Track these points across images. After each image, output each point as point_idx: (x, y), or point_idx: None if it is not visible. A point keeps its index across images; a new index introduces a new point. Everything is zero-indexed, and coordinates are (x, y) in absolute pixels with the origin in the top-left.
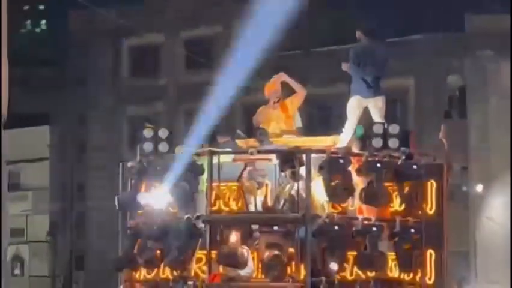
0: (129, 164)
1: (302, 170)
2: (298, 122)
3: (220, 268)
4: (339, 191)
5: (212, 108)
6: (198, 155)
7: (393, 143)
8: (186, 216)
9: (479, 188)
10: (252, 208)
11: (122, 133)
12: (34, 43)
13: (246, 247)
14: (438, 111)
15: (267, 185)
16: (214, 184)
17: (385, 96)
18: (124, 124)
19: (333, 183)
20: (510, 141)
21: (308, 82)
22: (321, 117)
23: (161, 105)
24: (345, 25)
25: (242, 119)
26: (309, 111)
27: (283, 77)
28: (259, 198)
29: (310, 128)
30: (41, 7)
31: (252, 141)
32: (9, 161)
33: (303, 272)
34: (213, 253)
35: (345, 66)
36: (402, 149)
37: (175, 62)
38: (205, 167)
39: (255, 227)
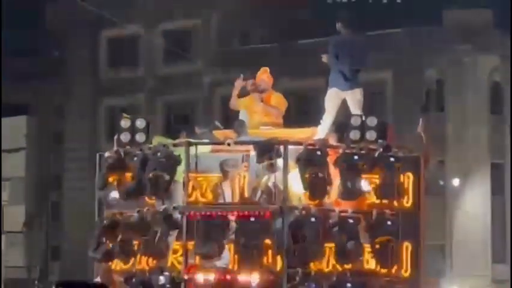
0: (106, 154)
1: (279, 162)
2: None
3: (197, 259)
4: (315, 183)
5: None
6: (175, 145)
7: (370, 135)
8: (163, 206)
9: (455, 181)
10: (229, 199)
11: (101, 124)
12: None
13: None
14: (415, 104)
15: (245, 176)
16: (191, 175)
17: (363, 89)
18: (102, 115)
19: (310, 175)
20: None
21: (286, 75)
22: (299, 109)
23: (140, 97)
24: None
25: (220, 110)
26: (289, 103)
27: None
28: (227, 189)
29: (288, 120)
30: None
31: (229, 133)
32: None
33: (279, 263)
34: (190, 244)
35: (324, 58)
36: (380, 141)
37: (153, 53)
38: (183, 157)
39: (231, 218)
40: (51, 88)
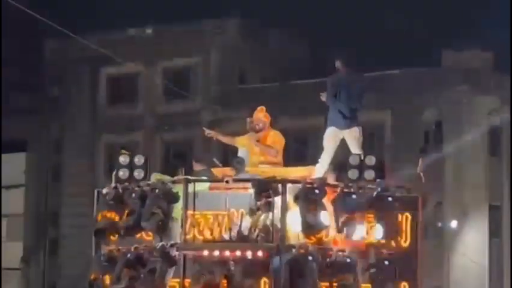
0: (104, 191)
1: (277, 200)
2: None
3: None
4: (313, 222)
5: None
6: (173, 182)
7: (369, 174)
8: (160, 243)
9: (453, 223)
10: (226, 237)
11: (99, 161)
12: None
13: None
14: (414, 145)
15: (242, 214)
16: (189, 212)
17: (362, 128)
18: (101, 152)
19: (307, 214)
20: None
21: (286, 114)
22: (299, 149)
23: (138, 134)
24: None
25: (218, 148)
26: (286, 143)
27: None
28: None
29: (287, 160)
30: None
31: (227, 170)
32: None
33: None
34: (187, 281)
35: (323, 96)
36: (378, 180)
37: (152, 91)
38: (181, 194)
39: (229, 256)
40: (50, 125)
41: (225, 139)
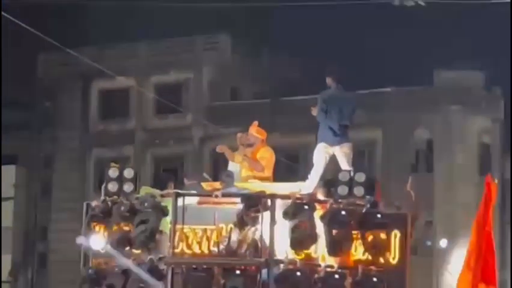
0: (93, 204)
1: (266, 215)
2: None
3: None
4: (302, 237)
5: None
6: (162, 196)
7: (358, 191)
8: (149, 257)
9: (443, 242)
10: (215, 251)
11: (89, 175)
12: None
13: None
14: (405, 164)
15: (231, 228)
16: (178, 226)
17: (352, 145)
18: (91, 167)
19: (296, 229)
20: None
21: (277, 131)
22: (289, 166)
23: (129, 149)
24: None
25: (209, 164)
26: (276, 159)
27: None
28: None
29: (277, 176)
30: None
31: (217, 184)
32: None
33: None
34: None
35: (314, 111)
36: (367, 197)
37: (144, 106)
38: (170, 208)
39: (216, 271)
40: (41, 138)
41: (229, 155)
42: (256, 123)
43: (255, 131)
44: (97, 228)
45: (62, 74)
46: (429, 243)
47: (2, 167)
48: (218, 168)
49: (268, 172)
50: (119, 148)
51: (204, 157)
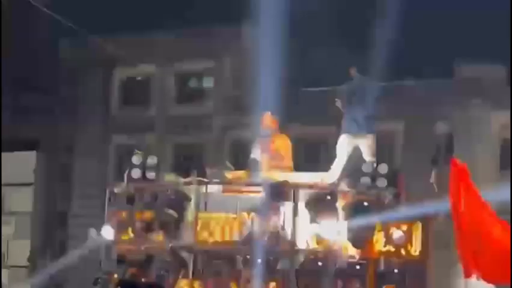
0: (116, 190)
1: (288, 205)
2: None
3: None
4: (324, 228)
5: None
6: (186, 184)
7: (381, 182)
8: (170, 245)
9: None
10: (237, 239)
11: (110, 163)
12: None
13: None
14: (426, 156)
15: (253, 217)
16: (200, 214)
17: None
18: (112, 154)
19: (319, 220)
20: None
21: (298, 120)
22: (309, 156)
23: (150, 136)
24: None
25: (230, 152)
26: (299, 149)
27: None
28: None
29: (298, 166)
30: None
31: (240, 173)
32: None
33: None
34: (196, 283)
35: (338, 102)
36: (390, 189)
37: (165, 94)
38: (193, 196)
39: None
40: (62, 124)
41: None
42: (268, 113)
43: (269, 121)
44: (120, 215)
45: (84, 60)
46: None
47: (23, 153)
48: (238, 157)
49: (287, 161)
50: (140, 135)
51: (224, 146)
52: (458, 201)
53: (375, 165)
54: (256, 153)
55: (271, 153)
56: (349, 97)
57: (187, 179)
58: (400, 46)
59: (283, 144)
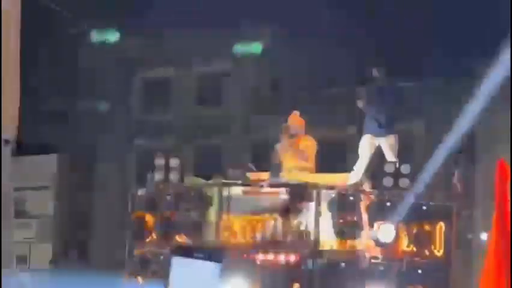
0: (139, 192)
1: (311, 206)
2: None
3: None
4: (347, 228)
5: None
6: (208, 186)
7: (404, 182)
8: None
9: (484, 236)
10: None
11: (131, 165)
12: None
13: None
14: (447, 156)
15: (275, 218)
16: (223, 215)
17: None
18: (133, 156)
19: (341, 220)
20: None
21: (320, 122)
22: (331, 157)
23: (170, 138)
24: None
25: (251, 155)
26: (320, 150)
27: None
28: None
29: (320, 167)
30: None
31: (263, 175)
32: (16, 187)
33: None
34: None
35: (359, 103)
36: (412, 189)
37: (185, 96)
38: (215, 198)
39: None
40: (82, 127)
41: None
42: (296, 112)
43: (296, 120)
44: (142, 217)
45: (104, 62)
46: (470, 236)
47: (44, 156)
48: (260, 157)
49: (311, 162)
50: (160, 137)
51: (245, 148)
52: (504, 202)
53: (397, 165)
54: (280, 154)
55: (296, 154)
56: (371, 98)
57: (210, 181)
58: (421, 45)
59: (310, 145)
